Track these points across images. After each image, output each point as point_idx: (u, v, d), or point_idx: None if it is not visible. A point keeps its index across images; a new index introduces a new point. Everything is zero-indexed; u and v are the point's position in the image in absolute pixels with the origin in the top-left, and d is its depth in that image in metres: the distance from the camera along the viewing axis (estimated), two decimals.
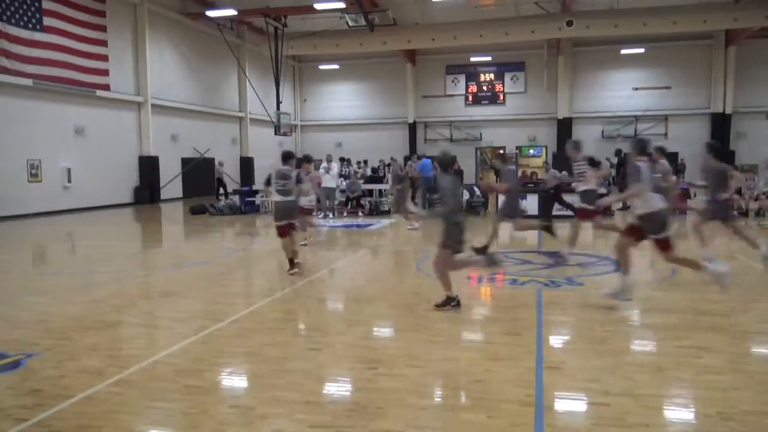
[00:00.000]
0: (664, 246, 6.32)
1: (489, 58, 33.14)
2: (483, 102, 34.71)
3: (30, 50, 18.61)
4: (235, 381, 4.73)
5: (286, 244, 8.82)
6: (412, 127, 35.23)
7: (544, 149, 34.18)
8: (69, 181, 20.12)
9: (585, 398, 4.08)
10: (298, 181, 8.91)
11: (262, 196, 19.27)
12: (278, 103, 27.13)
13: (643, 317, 6.38)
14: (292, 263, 8.76)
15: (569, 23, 25.29)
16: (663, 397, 4.11)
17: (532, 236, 12.94)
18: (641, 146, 6.57)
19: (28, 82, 18.53)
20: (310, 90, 37.33)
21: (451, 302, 6.38)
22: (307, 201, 10.66)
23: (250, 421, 3.81)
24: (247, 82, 29.92)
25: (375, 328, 6.06)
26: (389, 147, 35.53)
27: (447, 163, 6.63)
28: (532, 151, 34.42)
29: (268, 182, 9.28)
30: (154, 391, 4.32)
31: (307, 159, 10.95)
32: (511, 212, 9.84)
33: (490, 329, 5.91)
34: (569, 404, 4.05)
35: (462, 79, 34.91)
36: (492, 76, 34.47)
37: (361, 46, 28.43)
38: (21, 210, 18.16)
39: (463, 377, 4.53)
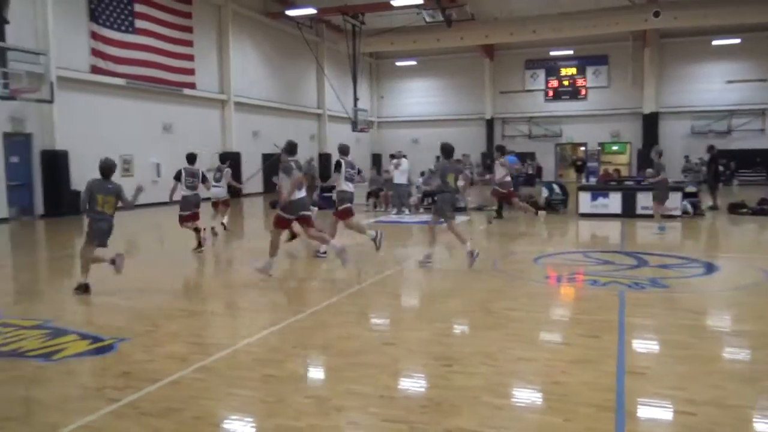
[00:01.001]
0: (305, 223, 8.10)
1: (570, 52, 32.24)
2: (563, 97, 33.83)
3: (122, 51, 19.66)
4: (311, 372, 4.84)
5: (195, 227, 10.47)
6: (490, 124, 34.80)
7: (627, 146, 33.01)
8: (158, 175, 21.09)
9: (669, 406, 3.90)
10: (204, 179, 10.82)
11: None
12: (355, 99, 27.46)
13: (733, 324, 6.05)
14: (199, 243, 10.38)
15: (656, 14, 24.22)
16: (755, 409, 3.87)
17: (614, 236, 12.51)
18: (290, 147, 8.28)
19: (121, 81, 19.59)
20: (387, 86, 37.51)
21: (81, 288, 7.14)
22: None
23: (326, 412, 3.87)
24: (325, 79, 30.42)
25: (450, 325, 6.02)
26: (466, 143, 35.24)
27: (107, 170, 7.29)
28: (615, 148, 33.31)
29: (177, 177, 10.59)
30: (234, 378, 4.47)
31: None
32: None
33: (569, 330, 5.76)
34: (652, 411, 3.88)
35: (541, 74, 34.14)
36: (573, 70, 33.52)
37: (439, 42, 28.33)
38: None
39: (540, 378, 4.43)
